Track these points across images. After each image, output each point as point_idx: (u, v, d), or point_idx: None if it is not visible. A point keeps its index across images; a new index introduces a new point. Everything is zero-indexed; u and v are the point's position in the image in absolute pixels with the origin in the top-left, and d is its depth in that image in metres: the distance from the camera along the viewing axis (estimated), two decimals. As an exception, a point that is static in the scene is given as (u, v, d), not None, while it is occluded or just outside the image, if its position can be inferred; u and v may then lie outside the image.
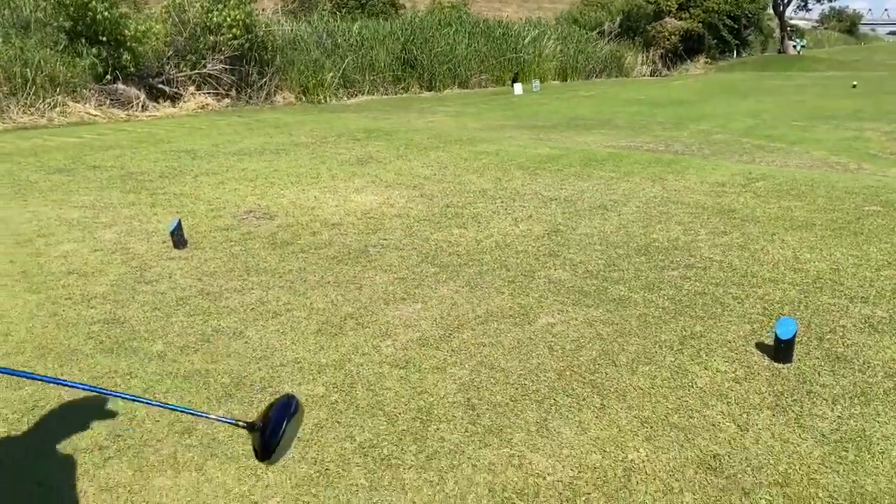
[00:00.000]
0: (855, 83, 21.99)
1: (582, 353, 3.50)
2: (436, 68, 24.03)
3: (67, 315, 4.05)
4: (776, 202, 6.30)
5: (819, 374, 3.25)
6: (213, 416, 1.68)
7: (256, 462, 1.51)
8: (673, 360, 3.40)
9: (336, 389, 3.20)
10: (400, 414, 2.98)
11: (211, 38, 18.16)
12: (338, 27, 22.73)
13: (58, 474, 2.63)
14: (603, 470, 2.59)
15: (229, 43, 18.10)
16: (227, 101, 18.91)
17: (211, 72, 18.73)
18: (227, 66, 18.89)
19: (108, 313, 4.08)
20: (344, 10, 27.45)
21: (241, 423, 1.58)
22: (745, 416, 2.92)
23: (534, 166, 8.14)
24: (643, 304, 4.06)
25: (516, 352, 3.52)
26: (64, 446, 2.78)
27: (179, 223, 5.24)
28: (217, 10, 18.00)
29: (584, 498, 2.44)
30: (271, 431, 1.51)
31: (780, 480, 2.50)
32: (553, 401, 3.06)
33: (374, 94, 23.07)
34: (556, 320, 3.89)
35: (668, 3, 35.66)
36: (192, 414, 1.78)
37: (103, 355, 3.55)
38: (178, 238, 5.24)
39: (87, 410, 2.99)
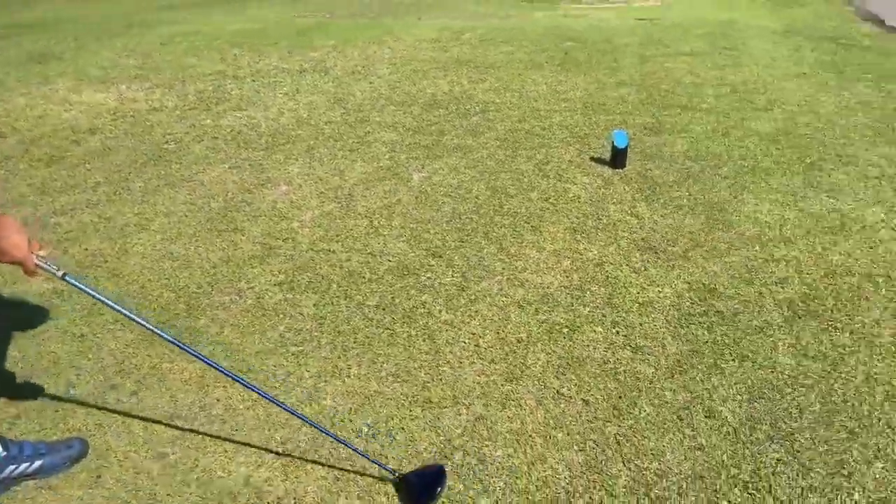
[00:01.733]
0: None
1: (474, 192, 3.90)
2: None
3: None
4: (495, 49, 7.12)
5: (650, 169, 4.13)
6: (367, 455, 2.03)
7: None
8: (547, 185, 4.00)
9: (324, 278, 3.16)
10: (396, 294, 3.11)
11: None
12: None
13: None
14: (577, 270, 3.12)
15: None
16: None
17: None
18: None
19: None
20: None
21: (389, 471, 2.03)
22: (634, 208, 3.67)
23: (246, 42, 7.80)
24: (481, 148, 4.55)
25: (424, 205, 3.78)
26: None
27: None
28: None
29: (587, 294, 2.96)
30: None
31: (691, 241, 3.30)
32: (496, 234, 3.45)
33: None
34: (426, 173, 4.18)
35: None
36: (345, 445, 2.06)
37: None
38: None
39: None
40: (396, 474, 1.99)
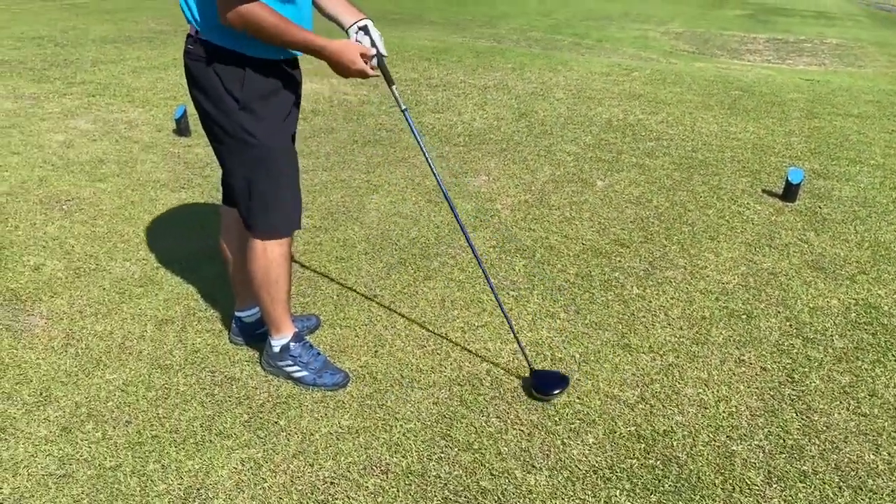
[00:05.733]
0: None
1: (654, 203, 4.38)
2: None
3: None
4: (665, 88, 7.58)
5: (819, 207, 4.48)
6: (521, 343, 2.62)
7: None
8: (721, 206, 4.42)
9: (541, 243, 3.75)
10: (591, 269, 3.65)
11: None
12: None
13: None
14: (752, 275, 3.54)
15: None
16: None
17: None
18: (-34, -63, 15.89)
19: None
20: None
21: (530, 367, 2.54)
22: (804, 236, 4.04)
23: (433, 57, 8.62)
24: (658, 168, 5.03)
25: (609, 206, 4.30)
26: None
27: (185, 110, 5.07)
28: None
29: (763, 294, 3.38)
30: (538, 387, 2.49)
31: (857, 269, 3.64)
32: (677, 237, 3.93)
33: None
34: (606, 183, 4.70)
35: None
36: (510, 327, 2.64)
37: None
38: (184, 126, 5.08)
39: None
40: (531, 368, 2.52)
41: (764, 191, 4.67)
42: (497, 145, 5.32)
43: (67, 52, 7.75)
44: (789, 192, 4.53)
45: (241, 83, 2.14)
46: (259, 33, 2.00)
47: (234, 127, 2.17)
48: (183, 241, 3.53)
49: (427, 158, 2.45)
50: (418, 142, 2.41)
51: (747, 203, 4.44)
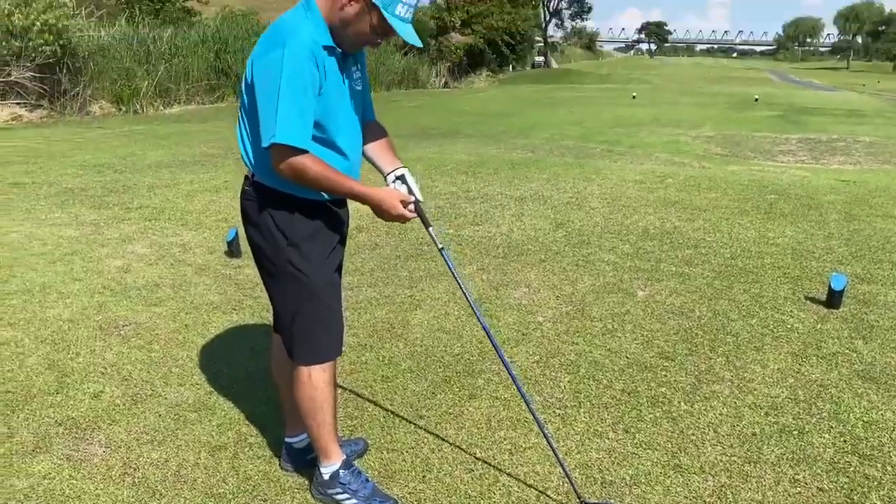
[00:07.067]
0: (634, 94, 25.45)
1: (696, 313, 4.39)
2: (252, 77, 23.60)
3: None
4: (700, 194, 7.69)
5: (866, 314, 4.44)
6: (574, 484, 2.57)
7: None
8: (765, 314, 4.41)
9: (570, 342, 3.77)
10: (637, 384, 3.65)
11: (15, 43, 16.55)
12: (148, 35, 21.64)
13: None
14: (801, 388, 3.50)
15: (40, 49, 16.59)
16: (40, 111, 17.31)
17: (18, 79, 17.04)
18: (35, 74, 17.28)
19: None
20: (137, 17, 25.54)
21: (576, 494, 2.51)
22: (852, 344, 3.99)
23: (470, 170, 8.91)
24: (698, 276, 5.06)
25: (651, 317, 4.32)
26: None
27: (237, 233, 5.31)
28: (21, 12, 16.47)
29: (813, 407, 3.33)
30: None
31: None
32: (722, 349, 3.91)
33: (190, 104, 22.30)
34: (647, 293, 4.74)
35: (452, 19, 38.08)
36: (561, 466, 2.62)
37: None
38: (235, 248, 5.31)
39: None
40: (581, 500, 2.48)
41: (807, 297, 4.66)
42: (535, 256, 5.43)
43: (125, 177, 8.21)
44: (833, 299, 4.50)
45: (291, 222, 2.33)
46: (308, 183, 2.20)
47: (283, 262, 2.34)
48: (235, 364, 3.63)
49: (466, 294, 2.56)
50: (456, 279, 2.53)
51: (791, 311, 4.42)
